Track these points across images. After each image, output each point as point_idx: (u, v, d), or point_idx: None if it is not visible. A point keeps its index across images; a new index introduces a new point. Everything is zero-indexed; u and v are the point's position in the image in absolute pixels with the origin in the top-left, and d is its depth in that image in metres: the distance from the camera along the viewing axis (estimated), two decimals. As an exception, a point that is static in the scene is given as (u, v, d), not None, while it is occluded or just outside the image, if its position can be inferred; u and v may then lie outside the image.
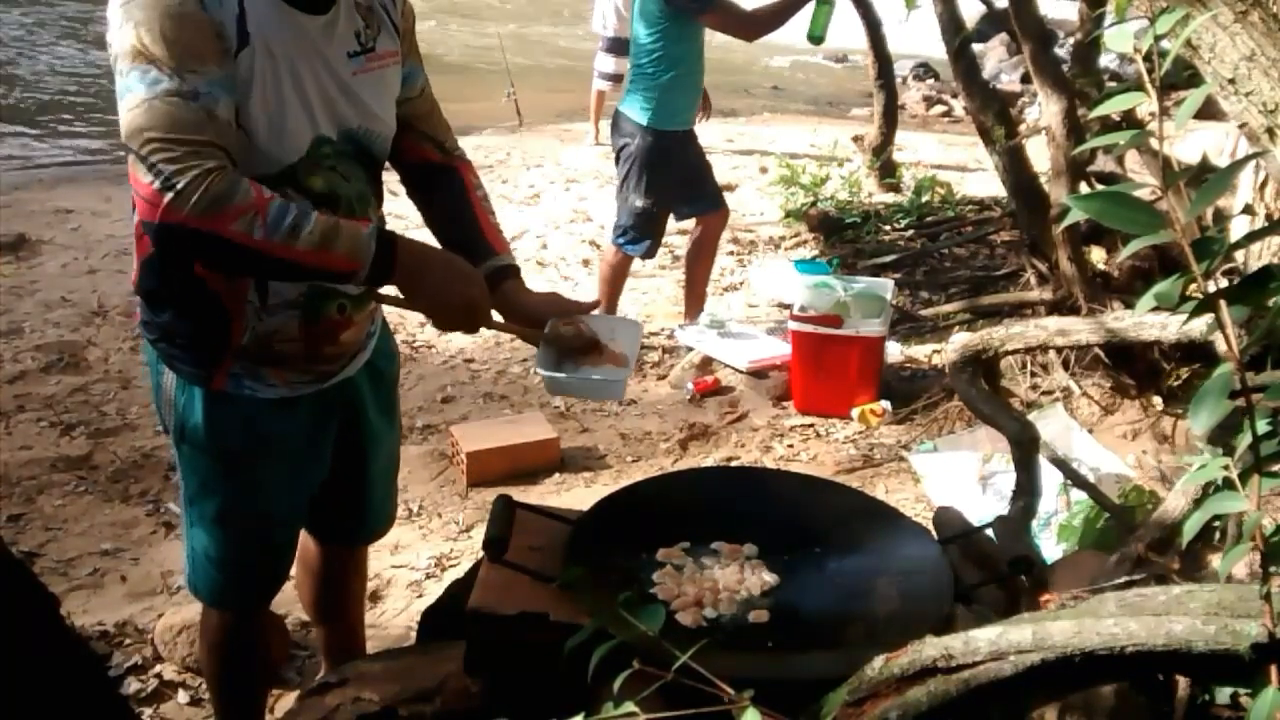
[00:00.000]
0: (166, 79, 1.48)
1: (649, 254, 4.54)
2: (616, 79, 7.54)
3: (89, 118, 8.93)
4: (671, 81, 4.15)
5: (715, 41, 4.39)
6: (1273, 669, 0.89)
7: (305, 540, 2.15)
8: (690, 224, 4.71)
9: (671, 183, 4.31)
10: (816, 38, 4.33)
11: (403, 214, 2.05)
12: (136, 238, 1.74)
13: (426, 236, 1.86)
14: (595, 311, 1.83)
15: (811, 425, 4.04)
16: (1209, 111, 2.28)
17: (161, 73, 1.48)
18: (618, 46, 7.56)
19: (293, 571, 2.11)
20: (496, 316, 1.77)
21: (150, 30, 1.48)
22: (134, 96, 1.48)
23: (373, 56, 1.73)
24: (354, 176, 1.75)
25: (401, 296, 1.65)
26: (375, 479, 2.10)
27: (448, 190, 1.91)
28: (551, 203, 6.85)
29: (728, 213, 4.67)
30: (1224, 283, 0.89)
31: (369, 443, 2.03)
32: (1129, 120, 3.72)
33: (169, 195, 1.45)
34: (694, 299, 4.75)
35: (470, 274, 1.68)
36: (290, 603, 2.53)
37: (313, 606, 2.31)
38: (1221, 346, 0.88)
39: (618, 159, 4.36)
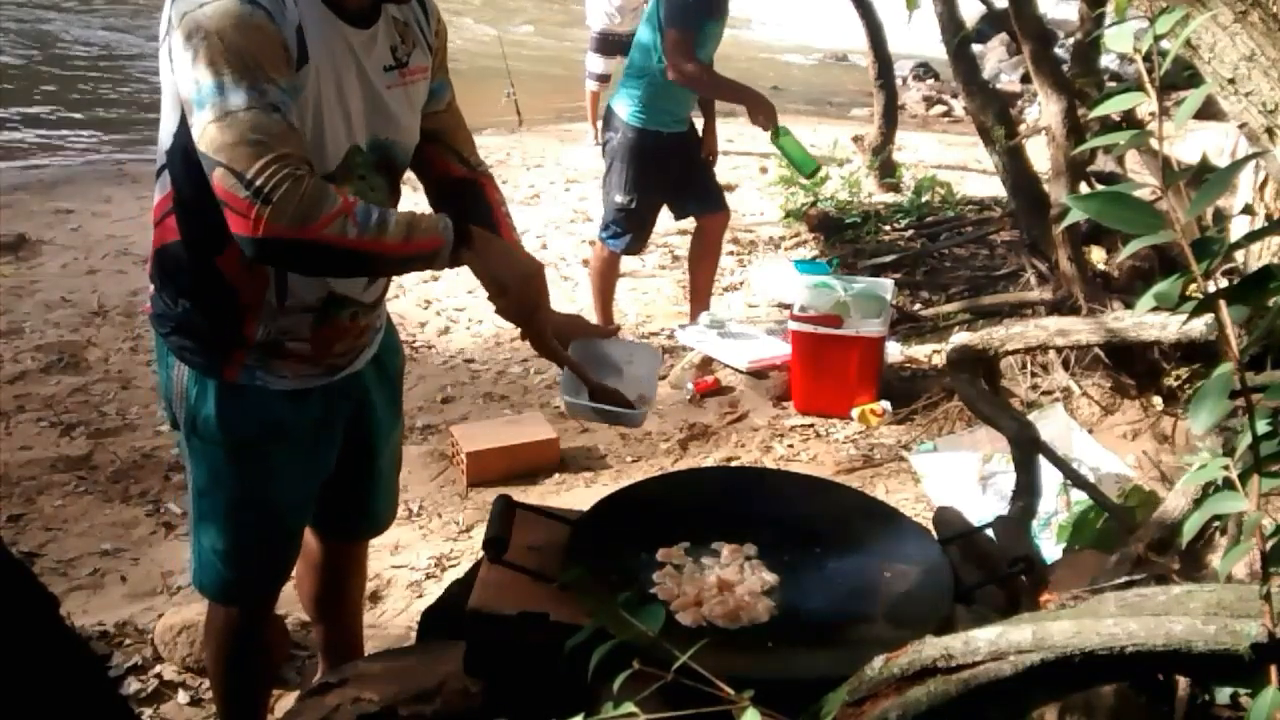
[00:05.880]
0: (246, 91, 1.49)
1: (631, 250, 4.50)
2: (606, 79, 7.50)
3: (90, 117, 8.92)
4: (662, 83, 4.11)
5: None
6: (1273, 669, 0.89)
7: (307, 536, 2.16)
8: (690, 224, 4.70)
9: (658, 182, 4.28)
10: (811, 171, 4.32)
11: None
12: (154, 224, 1.77)
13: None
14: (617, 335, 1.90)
15: (811, 425, 4.04)
16: (1209, 111, 2.27)
17: (240, 85, 1.49)
18: (605, 46, 7.52)
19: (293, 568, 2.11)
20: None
21: (224, 41, 1.49)
22: (213, 110, 1.49)
23: (406, 72, 1.77)
24: (377, 186, 1.79)
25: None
26: (381, 473, 2.14)
27: (473, 207, 1.90)
28: (551, 203, 6.85)
29: (728, 214, 4.65)
30: (1224, 283, 0.89)
31: (376, 436, 2.07)
32: (1129, 120, 3.72)
33: (266, 209, 1.47)
34: (697, 300, 4.72)
35: (530, 259, 1.73)
36: (290, 603, 2.52)
37: (312, 603, 2.33)
38: (1221, 346, 0.88)
39: (603, 153, 4.36)
